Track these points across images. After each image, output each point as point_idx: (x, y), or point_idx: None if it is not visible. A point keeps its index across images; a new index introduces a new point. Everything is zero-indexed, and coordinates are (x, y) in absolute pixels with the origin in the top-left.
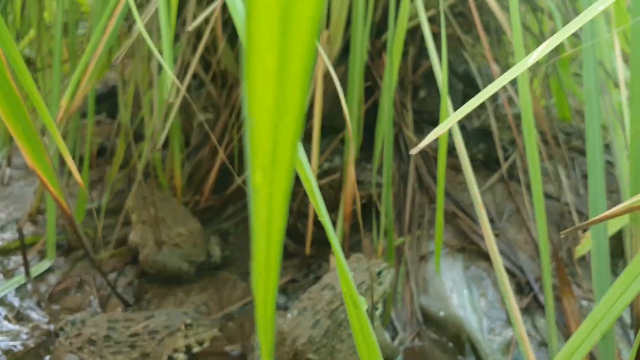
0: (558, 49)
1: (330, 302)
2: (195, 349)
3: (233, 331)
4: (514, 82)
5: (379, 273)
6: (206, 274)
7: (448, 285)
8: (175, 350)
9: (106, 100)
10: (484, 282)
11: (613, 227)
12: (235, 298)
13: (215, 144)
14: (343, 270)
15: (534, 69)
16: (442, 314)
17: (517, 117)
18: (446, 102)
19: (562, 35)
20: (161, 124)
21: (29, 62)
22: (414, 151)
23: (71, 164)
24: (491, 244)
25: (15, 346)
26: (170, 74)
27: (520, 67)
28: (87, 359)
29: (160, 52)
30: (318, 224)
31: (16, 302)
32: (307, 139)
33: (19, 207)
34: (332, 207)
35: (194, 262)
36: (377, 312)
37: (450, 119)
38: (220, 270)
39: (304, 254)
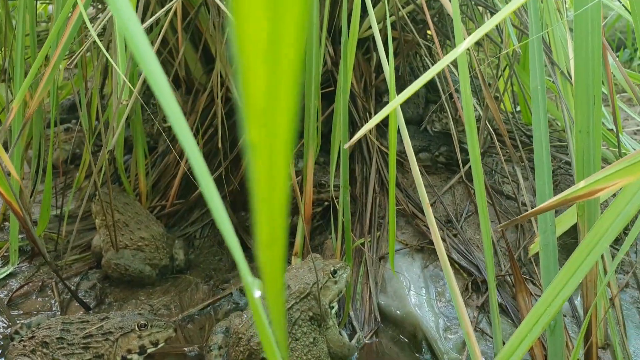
0: (516, 54)
1: (285, 302)
2: (150, 350)
3: (192, 333)
4: (475, 87)
5: (334, 272)
6: (169, 277)
7: (406, 284)
8: (129, 351)
9: (75, 110)
10: (441, 282)
11: (563, 224)
12: (197, 300)
13: (177, 153)
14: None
15: (495, 74)
16: (399, 312)
17: (477, 120)
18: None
19: (496, 19)
20: (115, 125)
21: None
22: (346, 145)
23: (9, 164)
24: (437, 242)
25: None
26: (122, 75)
27: (455, 52)
28: None
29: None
30: None
31: None
32: None
33: None
34: (295, 209)
35: (156, 265)
36: (333, 311)
37: (384, 110)
38: (183, 274)
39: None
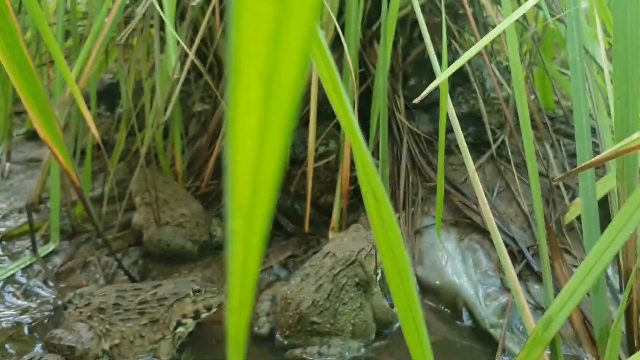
0: (541, 36)
1: (332, 268)
2: (203, 315)
3: None
4: (501, 69)
5: None
6: (209, 253)
7: (443, 256)
8: (184, 316)
9: (104, 98)
10: (477, 253)
11: (601, 189)
12: None
13: (210, 133)
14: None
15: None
16: (438, 282)
17: (505, 100)
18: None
19: None
20: (164, 102)
21: None
22: (417, 100)
23: (91, 122)
24: (488, 214)
25: (24, 320)
26: (174, 45)
27: (502, 26)
28: (97, 326)
29: (162, 37)
30: (315, 206)
31: (23, 281)
32: (304, 124)
33: (19, 198)
34: (329, 188)
35: (197, 241)
36: (377, 278)
37: (443, 75)
38: (222, 250)
39: (303, 233)
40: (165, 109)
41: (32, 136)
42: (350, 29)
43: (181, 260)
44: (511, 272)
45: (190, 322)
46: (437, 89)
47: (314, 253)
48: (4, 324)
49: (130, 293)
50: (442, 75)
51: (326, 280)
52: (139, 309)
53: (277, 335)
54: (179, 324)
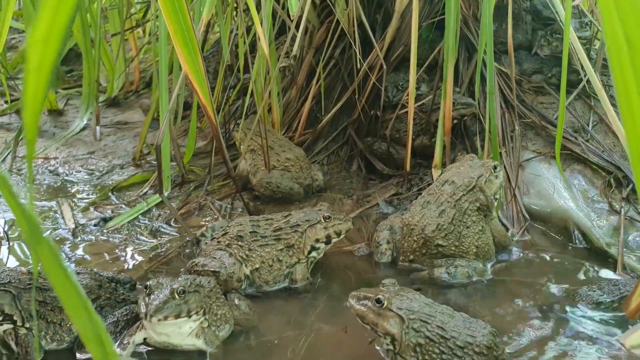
0: None
1: (452, 194)
2: (334, 240)
3: (352, 235)
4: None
5: (495, 167)
6: (312, 195)
7: (548, 186)
8: (317, 240)
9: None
10: (581, 181)
11: None
12: (346, 211)
13: (299, 87)
14: None
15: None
16: (548, 210)
17: (588, 40)
18: None
19: None
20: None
21: None
22: None
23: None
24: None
25: (158, 254)
26: None
27: None
28: (237, 253)
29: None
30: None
31: (147, 223)
32: (393, 69)
33: (116, 156)
34: (423, 130)
35: (301, 184)
36: (497, 203)
37: None
38: (324, 192)
39: (401, 174)
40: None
41: (112, 103)
42: None
43: (289, 201)
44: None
45: (322, 247)
46: (520, 34)
47: (418, 190)
48: (140, 258)
49: (263, 222)
50: None
51: (448, 205)
52: (275, 235)
53: (400, 261)
54: (312, 248)
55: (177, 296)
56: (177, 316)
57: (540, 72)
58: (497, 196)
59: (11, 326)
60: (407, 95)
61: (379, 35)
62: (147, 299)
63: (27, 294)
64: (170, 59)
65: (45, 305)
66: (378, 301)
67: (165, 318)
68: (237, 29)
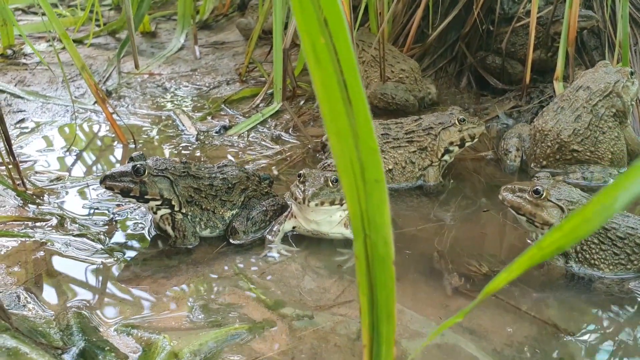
0: None
1: (588, 100)
2: (467, 143)
3: (476, 144)
4: None
5: (632, 73)
6: (426, 108)
7: None
8: (451, 143)
9: None
10: None
11: None
12: None
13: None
14: None
15: None
16: None
17: None
18: None
19: None
20: None
21: None
22: None
23: None
24: None
25: (284, 159)
26: None
27: None
28: None
29: None
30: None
31: (266, 131)
32: None
33: (219, 73)
34: (541, 43)
35: (416, 96)
36: (630, 110)
37: None
38: (437, 106)
39: (519, 89)
40: None
41: (203, 26)
42: None
43: (404, 114)
44: None
45: (455, 150)
46: None
47: (540, 102)
48: (269, 161)
49: (393, 125)
50: None
51: (584, 111)
52: (407, 137)
53: (532, 167)
54: (446, 151)
55: (330, 184)
56: (332, 202)
57: None
58: (633, 102)
59: (169, 211)
60: (524, 7)
61: None
62: (301, 186)
63: (183, 181)
64: None
65: (200, 192)
66: (536, 192)
67: (322, 203)
68: None
